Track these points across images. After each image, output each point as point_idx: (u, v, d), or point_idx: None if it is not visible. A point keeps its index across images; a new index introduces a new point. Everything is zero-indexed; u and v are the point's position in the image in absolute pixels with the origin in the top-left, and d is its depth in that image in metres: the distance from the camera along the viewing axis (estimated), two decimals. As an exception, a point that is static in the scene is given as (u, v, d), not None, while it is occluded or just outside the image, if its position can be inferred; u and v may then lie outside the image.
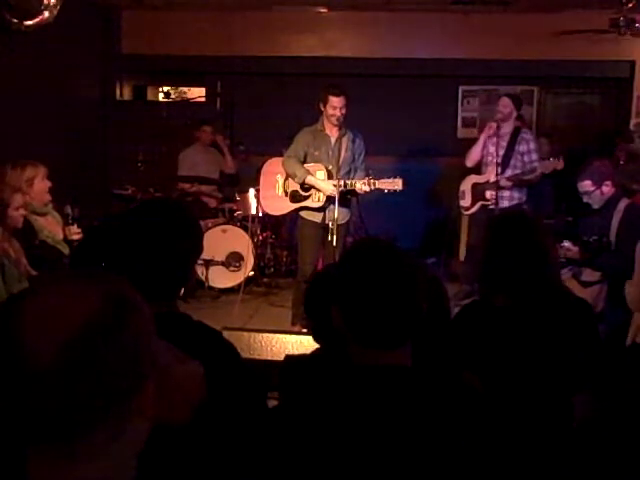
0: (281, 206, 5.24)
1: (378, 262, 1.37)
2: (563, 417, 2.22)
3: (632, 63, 7.67)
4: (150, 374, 0.94)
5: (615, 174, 4.26)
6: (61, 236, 3.52)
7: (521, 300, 2.18)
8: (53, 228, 3.50)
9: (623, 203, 4.06)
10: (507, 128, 5.63)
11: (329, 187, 4.94)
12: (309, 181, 5.00)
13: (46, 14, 5.13)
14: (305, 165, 5.04)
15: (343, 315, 1.37)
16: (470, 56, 7.58)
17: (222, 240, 6.18)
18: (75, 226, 3.55)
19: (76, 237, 3.53)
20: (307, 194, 5.07)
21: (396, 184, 4.90)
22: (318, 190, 5.01)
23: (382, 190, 4.92)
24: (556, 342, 2.14)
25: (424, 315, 1.39)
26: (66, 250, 3.48)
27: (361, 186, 4.89)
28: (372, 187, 4.90)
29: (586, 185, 4.10)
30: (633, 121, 7.70)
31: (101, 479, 0.90)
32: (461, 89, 8.14)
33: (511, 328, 2.15)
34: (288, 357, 2.17)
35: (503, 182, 5.51)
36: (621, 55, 7.50)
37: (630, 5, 5.73)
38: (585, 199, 4.18)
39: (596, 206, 4.14)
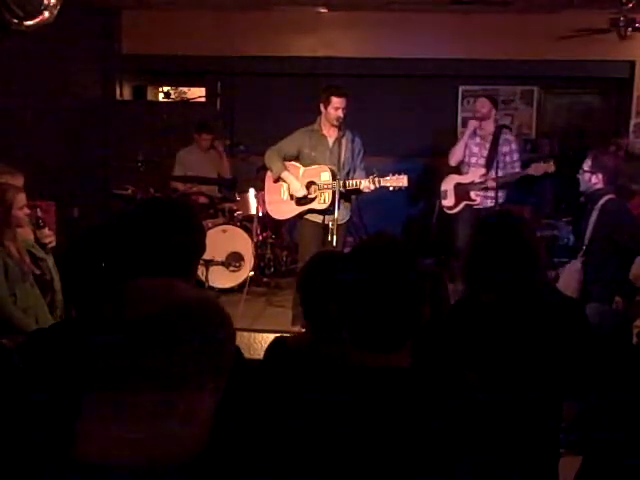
0: (287, 210, 5.24)
1: (381, 265, 1.34)
2: (550, 415, 2.23)
3: (632, 63, 7.66)
4: (210, 385, 1.01)
5: (613, 175, 4.26)
6: (32, 238, 3.53)
7: (506, 298, 2.20)
8: (23, 231, 3.49)
9: (603, 199, 4.06)
10: (488, 129, 5.73)
11: (298, 187, 5.01)
12: (283, 176, 5.08)
13: (46, 14, 5.13)
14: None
15: (341, 315, 1.36)
16: (470, 56, 7.58)
17: (222, 240, 6.17)
18: (46, 229, 3.56)
19: (48, 240, 3.53)
20: (313, 196, 5.07)
21: (401, 181, 4.87)
22: (289, 184, 5.08)
23: (387, 188, 4.91)
24: (542, 339, 2.15)
25: (425, 319, 1.37)
26: (40, 253, 3.47)
27: (366, 185, 4.88)
28: (377, 185, 4.89)
29: (586, 163, 4.16)
30: (633, 121, 7.70)
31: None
32: (461, 89, 8.14)
33: (497, 325, 2.17)
34: (277, 339, 2.14)
35: (490, 183, 5.62)
36: (621, 55, 7.49)
37: (630, 5, 5.73)
38: (578, 175, 4.23)
39: (581, 188, 4.20)
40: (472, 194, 5.70)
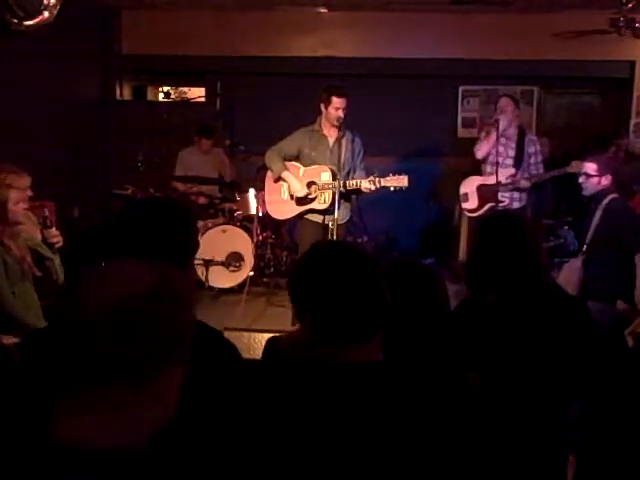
0: (287, 210, 5.24)
1: (334, 261, 1.43)
2: (557, 415, 2.22)
3: (632, 63, 7.66)
4: (178, 364, 1.02)
5: (616, 174, 4.25)
6: (39, 238, 3.52)
7: (509, 298, 2.20)
8: (30, 230, 3.48)
9: (607, 199, 4.05)
10: (513, 129, 5.59)
11: (299, 187, 5.00)
12: (284, 176, 5.08)
13: (46, 14, 5.12)
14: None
15: (311, 317, 1.40)
16: (470, 56, 7.58)
17: (222, 240, 6.17)
18: (53, 229, 3.54)
19: (55, 240, 3.52)
20: (313, 196, 5.07)
21: (402, 181, 4.85)
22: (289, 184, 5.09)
23: (388, 188, 4.89)
24: (546, 338, 2.15)
25: (389, 306, 1.42)
26: (47, 252, 3.46)
27: (367, 185, 4.87)
28: (377, 185, 4.87)
29: (590, 167, 4.10)
30: (633, 121, 7.70)
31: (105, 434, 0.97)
32: (461, 89, 8.14)
33: (501, 325, 2.17)
34: (271, 339, 2.15)
35: (523, 183, 5.47)
36: (621, 55, 7.49)
37: (630, 5, 5.71)
38: (580, 180, 4.18)
39: (587, 193, 4.15)
40: (499, 195, 5.44)
